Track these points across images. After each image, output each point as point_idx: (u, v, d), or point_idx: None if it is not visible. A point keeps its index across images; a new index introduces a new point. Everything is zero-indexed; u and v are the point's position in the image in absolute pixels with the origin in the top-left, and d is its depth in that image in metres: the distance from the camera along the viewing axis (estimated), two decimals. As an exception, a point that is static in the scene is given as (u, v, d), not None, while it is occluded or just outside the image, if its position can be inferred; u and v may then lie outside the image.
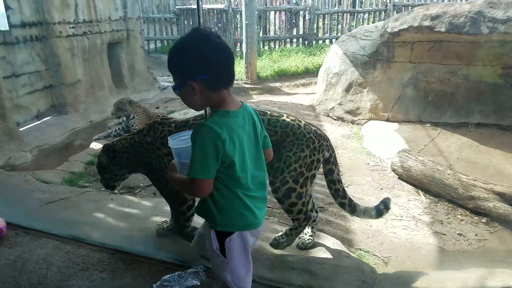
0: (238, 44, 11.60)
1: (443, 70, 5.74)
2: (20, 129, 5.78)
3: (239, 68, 9.81)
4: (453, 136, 5.36)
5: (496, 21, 5.09)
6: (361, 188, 4.32)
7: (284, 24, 12.11)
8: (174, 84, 1.55)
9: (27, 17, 6.13)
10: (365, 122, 6.27)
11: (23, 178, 3.73)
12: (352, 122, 6.48)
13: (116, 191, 3.13)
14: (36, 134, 6.01)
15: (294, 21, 12.08)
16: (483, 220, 3.68)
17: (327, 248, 2.67)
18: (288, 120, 2.29)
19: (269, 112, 2.31)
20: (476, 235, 3.48)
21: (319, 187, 4.28)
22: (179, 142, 1.60)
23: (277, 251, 2.47)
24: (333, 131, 6.15)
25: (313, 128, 2.38)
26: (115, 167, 2.34)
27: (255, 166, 1.57)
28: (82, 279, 1.92)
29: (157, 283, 1.90)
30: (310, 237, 2.63)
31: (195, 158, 1.44)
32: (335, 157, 2.54)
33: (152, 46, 12.74)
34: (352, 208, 2.63)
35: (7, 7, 5.78)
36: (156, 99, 8.50)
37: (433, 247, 3.27)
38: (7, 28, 5.77)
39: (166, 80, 10.13)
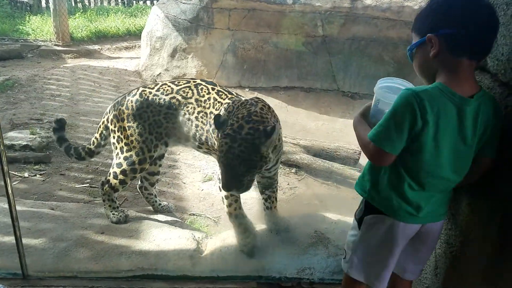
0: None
1: (257, 38, 6.22)
2: None
3: (47, 27, 8.57)
4: (267, 99, 6.01)
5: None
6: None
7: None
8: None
9: None
10: (192, 88, 6.42)
11: None
12: (180, 88, 6.52)
13: None
14: None
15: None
16: (293, 171, 4.27)
17: (159, 222, 2.69)
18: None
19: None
20: (288, 184, 4.02)
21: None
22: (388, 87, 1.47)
23: (100, 239, 2.37)
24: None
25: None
26: None
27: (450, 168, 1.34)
28: None
29: None
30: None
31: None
32: None
33: None
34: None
35: None
36: None
37: (256, 200, 3.53)
38: None
39: None
